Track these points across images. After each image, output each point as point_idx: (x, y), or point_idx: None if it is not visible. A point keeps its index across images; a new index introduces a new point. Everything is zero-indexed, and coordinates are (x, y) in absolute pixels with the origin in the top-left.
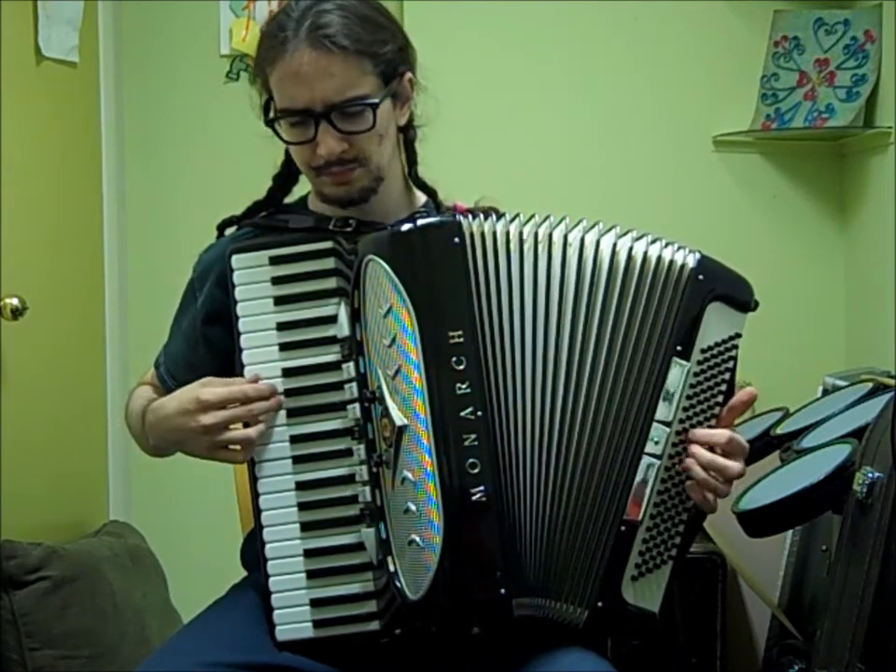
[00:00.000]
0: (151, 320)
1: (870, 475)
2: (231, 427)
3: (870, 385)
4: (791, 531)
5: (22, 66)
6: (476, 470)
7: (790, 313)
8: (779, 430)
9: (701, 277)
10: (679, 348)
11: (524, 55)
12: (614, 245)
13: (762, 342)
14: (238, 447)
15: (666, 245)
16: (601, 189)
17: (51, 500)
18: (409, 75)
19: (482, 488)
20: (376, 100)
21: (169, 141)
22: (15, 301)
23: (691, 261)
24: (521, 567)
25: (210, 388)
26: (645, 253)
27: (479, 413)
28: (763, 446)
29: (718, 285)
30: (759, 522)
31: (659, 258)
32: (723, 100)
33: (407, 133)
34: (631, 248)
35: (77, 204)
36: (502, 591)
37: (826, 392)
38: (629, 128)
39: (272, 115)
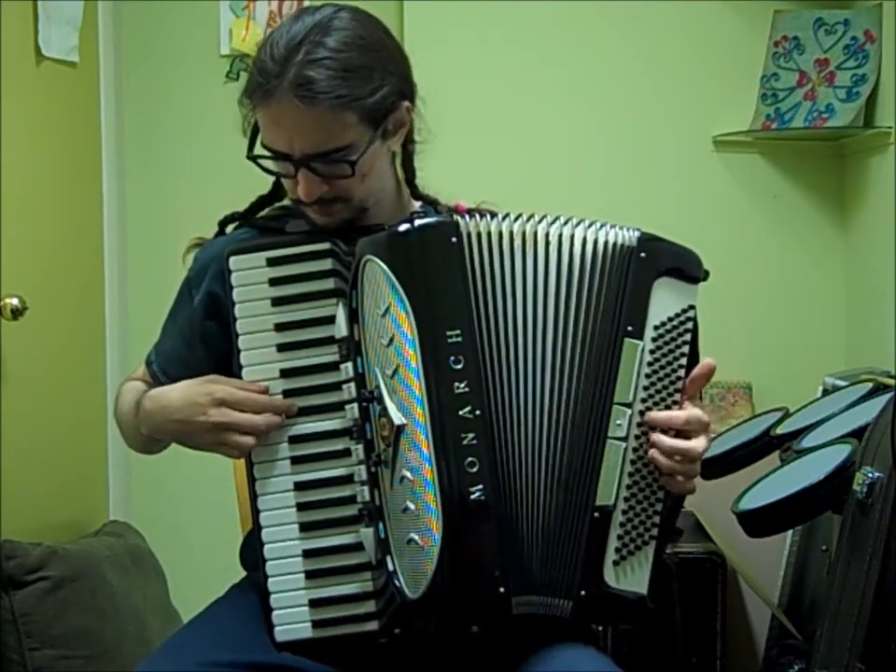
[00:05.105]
0: (151, 320)
1: (870, 475)
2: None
3: (870, 385)
4: (791, 531)
5: (22, 66)
6: (475, 469)
7: (790, 313)
8: (779, 430)
9: (643, 255)
10: (629, 328)
11: (524, 55)
12: (547, 234)
13: (762, 342)
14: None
15: (604, 227)
16: (601, 189)
17: (51, 500)
18: (406, 104)
19: (480, 487)
20: (354, 156)
21: (169, 141)
22: (15, 301)
23: (631, 241)
24: (519, 566)
25: (226, 387)
26: (571, 237)
27: (477, 413)
28: (762, 446)
29: (661, 261)
30: (759, 522)
31: (596, 241)
32: (723, 100)
33: (405, 149)
34: (561, 234)
35: (77, 204)
36: (501, 589)
37: (826, 392)
38: (629, 128)
39: (256, 145)
